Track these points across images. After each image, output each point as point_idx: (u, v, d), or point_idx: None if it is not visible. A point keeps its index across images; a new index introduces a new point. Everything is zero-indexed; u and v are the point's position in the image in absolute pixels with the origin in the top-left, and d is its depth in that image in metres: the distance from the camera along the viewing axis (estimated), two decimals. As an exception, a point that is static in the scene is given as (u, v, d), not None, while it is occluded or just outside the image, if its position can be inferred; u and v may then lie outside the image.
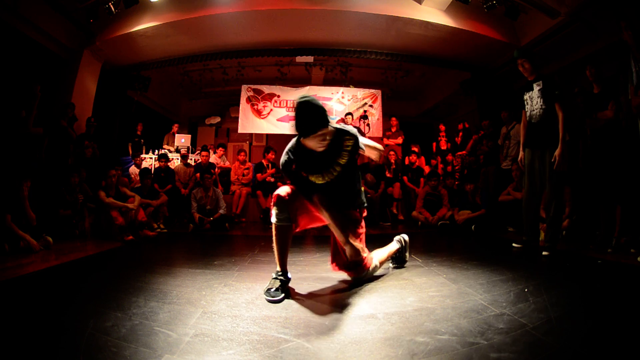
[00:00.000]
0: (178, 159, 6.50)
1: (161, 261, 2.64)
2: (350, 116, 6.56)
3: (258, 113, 7.54)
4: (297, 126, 1.79)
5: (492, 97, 6.62)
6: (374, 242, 3.82)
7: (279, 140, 7.85)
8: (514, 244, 3.31)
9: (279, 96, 7.60)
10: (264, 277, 2.36)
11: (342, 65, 7.52)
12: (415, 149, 6.52)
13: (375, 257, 2.20)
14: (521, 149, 3.28)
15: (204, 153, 6.31)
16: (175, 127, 7.66)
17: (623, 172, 3.12)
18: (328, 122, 1.79)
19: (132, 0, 5.14)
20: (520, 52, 3.18)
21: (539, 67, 3.19)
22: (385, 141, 7.08)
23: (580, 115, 3.61)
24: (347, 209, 2.08)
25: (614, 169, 3.14)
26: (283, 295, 1.80)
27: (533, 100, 3.15)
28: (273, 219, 1.98)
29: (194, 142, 8.18)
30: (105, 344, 1.26)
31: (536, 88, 3.12)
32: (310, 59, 7.05)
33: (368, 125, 6.64)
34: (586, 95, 3.42)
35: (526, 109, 3.22)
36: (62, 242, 3.49)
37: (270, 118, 7.53)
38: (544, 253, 2.94)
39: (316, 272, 2.39)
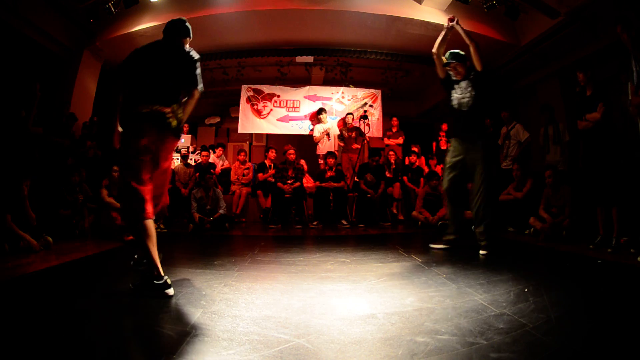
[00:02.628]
0: (178, 159, 6.51)
1: (161, 261, 2.63)
2: (350, 116, 6.56)
3: (258, 113, 7.53)
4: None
5: (492, 97, 6.61)
6: (374, 242, 3.85)
7: (279, 140, 7.85)
8: (438, 243, 3.25)
9: (279, 96, 7.60)
10: (264, 277, 2.36)
11: (342, 65, 7.51)
12: (415, 149, 6.51)
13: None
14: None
15: (204, 153, 6.31)
16: (185, 127, 7.69)
17: (616, 174, 3.14)
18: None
19: (132, 0, 5.13)
20: (453, 55, 3.19)
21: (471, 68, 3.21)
22: (386, 141, 7.08)
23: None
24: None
25: (606, 171, 3.16)
26: None
27: (463, 90, 3.16)
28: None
29: (193, 142, 8.18)
30: (106, 344, 1.26)
31: (467, 81, 3.16)
32: (310, 59, 7.04)
33: (368, 125, 6.63)
34: (580, 97, 3.43)
35: (453, 98, 3.20)
36: (62, 242, 3.49)
37: (270, 118, 7.53)
38: (481, 252, 2.94)
39: (316, 272, 2.39)
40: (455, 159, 3.18)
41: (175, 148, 2.44)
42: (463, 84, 3.19)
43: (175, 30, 2.27)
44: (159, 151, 2.04)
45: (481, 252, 2.95)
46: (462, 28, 3.09)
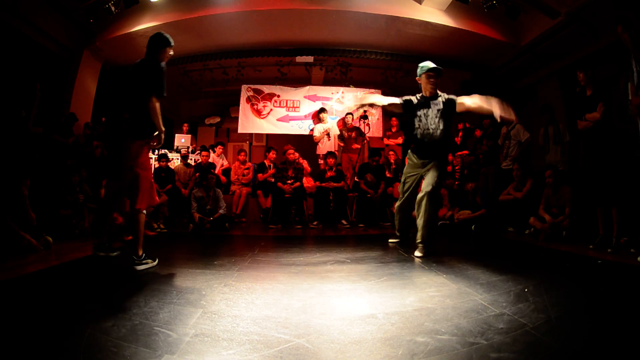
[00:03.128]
0: (178, 159, 6.50)
1: (161, 261, 2.64)
2: (350, 116, 6.56)
3: (258, 113, 7.54)
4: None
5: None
6: (374, 242, 3.84)
7: (279, 140, 7.86)
8: (390, 240, 3.60)
9: (279, 96, 7.61)
10: (264, 277, 2.36)
11: (342, 65, 7.52)
12: (416, 149, 6.50)
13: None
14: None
15: (204, 153, 6.31)
16: (185, 127, 7.71)
17: (616, 174, 3.14)
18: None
19: (132, 0, 5.14)
20: (434, 68, 3.01)
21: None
22: (386, 141, 7.08)
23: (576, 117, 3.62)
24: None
25: (606, 171, 3.16)
26: None
27: (429, 120, 2.99)
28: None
29: (193, 142, 8.19)
30: (105, 344, 1.26)
31: (434, 107, 2.99)
32: (310, 59, 7.05)
33: (368, 125, 6.63)
34: (579, 97, 3.43)
35: (417, 125, 3.03)
36: (62, 242, 3.49)
37: (270, 118, 7.54)
38: (416, 255, 2.89)
39: (316, 272, 2.39)
40: (413, 175, 3.28)
41: (148, 148, 2.59)
42: (431, 111, 2.98)
43: (151, 45, 2.52)
44: (124, 154, 2.42)
45: (417, 254, 2.90)
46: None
